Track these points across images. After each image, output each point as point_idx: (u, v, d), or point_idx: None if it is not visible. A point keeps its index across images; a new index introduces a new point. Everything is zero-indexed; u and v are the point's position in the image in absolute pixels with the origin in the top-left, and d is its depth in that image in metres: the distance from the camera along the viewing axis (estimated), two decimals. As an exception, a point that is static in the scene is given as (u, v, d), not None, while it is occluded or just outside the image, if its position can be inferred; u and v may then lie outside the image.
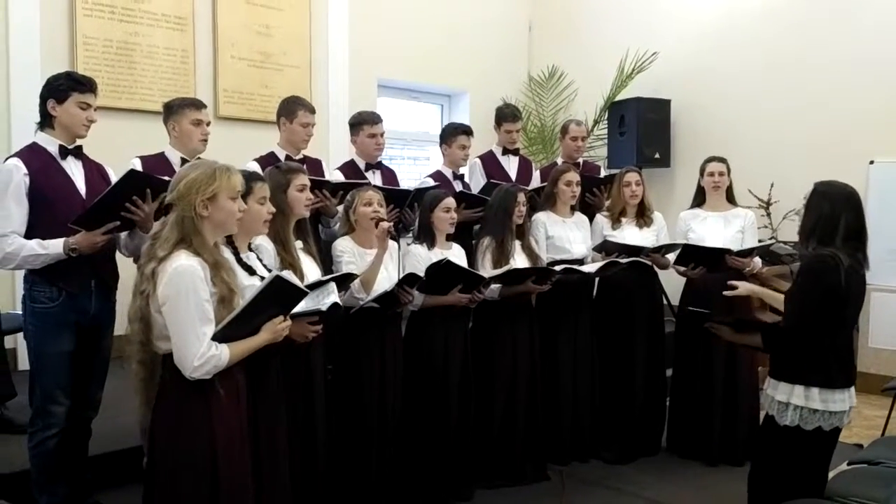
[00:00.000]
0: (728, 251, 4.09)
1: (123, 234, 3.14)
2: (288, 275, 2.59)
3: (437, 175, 4.62)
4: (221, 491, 2.26)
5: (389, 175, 4.47)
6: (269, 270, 2.71)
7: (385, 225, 3.28)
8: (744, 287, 3.11)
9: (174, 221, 2.29)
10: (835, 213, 2.62)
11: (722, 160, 4.38)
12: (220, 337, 2.24)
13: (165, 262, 2.23)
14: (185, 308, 2.19)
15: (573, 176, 4.29)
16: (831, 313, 2.59)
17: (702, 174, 4.41)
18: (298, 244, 3.12)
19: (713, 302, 3.94)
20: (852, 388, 2.67)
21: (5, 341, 4.10)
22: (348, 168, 4.32)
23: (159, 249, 2.26)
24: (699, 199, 4.46)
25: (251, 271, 2.62)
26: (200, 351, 2.19)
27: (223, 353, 2.24)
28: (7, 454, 3.48)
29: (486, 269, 3.81)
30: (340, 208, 3.63)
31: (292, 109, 4.05)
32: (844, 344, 2.69)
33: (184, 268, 2.20)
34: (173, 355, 2.22)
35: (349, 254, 3.34)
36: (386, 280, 3.41)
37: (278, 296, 2.39)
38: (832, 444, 2.67)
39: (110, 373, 3.30)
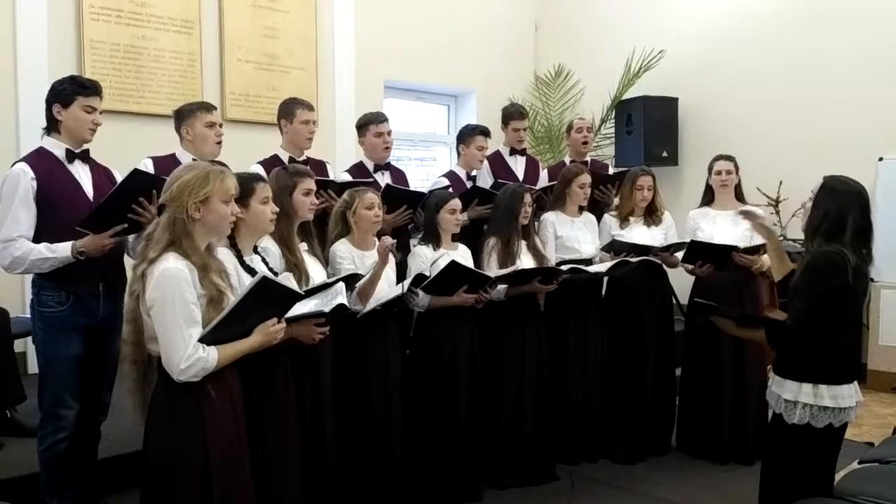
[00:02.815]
0: (735, 248, 4.08)
1: (131, 237, 3.13)
2: (284, 277, 2.58)
3: (451, 175, 4.62)
4: (215, 493, 2.26)
5: (399, 175, 4.46)
6: (275, 273, 2.70)
7: (388, 242, 3.24)
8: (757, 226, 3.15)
9: (165, 223, 2.30)
10: (842, 211, 2.59)
11: (730, 158, 4.36)
12: (208, 339, 2.23)
13: (154, 264, 2.24)
14: (172, 310, 2.19)
15: (587, 178, 4.28)
16: (837, 311, 2.57)
17: (710, 173, 4.40)
18: (303, 246, 3.13)
19: (722, 300, 3.95)
20: (856, 383, 2.66)
21: (15, 345, 4.11)
22: (357, 170, 4.32)
23: (150, 251, 2.27)
24: (708, 198, 4.44)
25: (254, 274, 2.61)
26: (187, 353, 2.19)
27: (210, 356, 2.23)
28: (17, 457, 3.50)
29: (492, 270, 3.80)
30: None
31: (290, 110, 4.06)
32: (848, 340, 2.66)
33: (170, 271, 2.21)
34: (161, 358, 2.23)
35: (348, 260, 3.32)
36: (384, 281, 3.39)
37: (269, 298, 2.36)
38: (840, 440, 2.66)
39: (118, 376, 3.31)
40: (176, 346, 2.19)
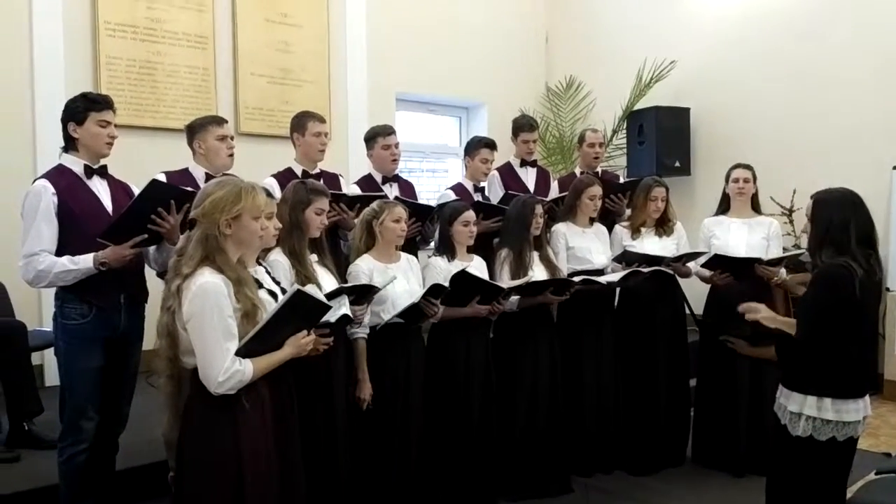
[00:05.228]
0: (758, 260, 4.07)
1: (152, 248, 3.18)
2: (312, 289, 2.60)
3: (458, 188, 4.64)
4: (248, 501, 2.28)
5: (407, 188, 4.49)
6: (279, 285, 2.73)
7: (366, 394, 3.29)
8: (760, 311, 2.93)
9: (198, 239, 2.33)
10: (844, 219, 2.59)
11: (747, 167, 4.37)
12: (243, 352, 2.28)
13: (190, 279, 2.27)
14: (210, 325, 2.22)
15: (597, 190, 4.29)
16: (845, 324, 2.55)
17: (727, 181, 4.40)
18: (313, 258, 3.15)
19: (736, 311, 3.95)
20: (867, 398, 2.62)
21: (32, 358, 4.15)
22: (365, 182, 4.34)
23: (184, 266, 2.30)
24: (724, 206, 4.44)
25: (258, 285, 2.63)
26: (224, 366, 2.22)
27: (247, 368, 2.27)
28: (35, 470, 3.53)
29: (504, 281, 3.81)
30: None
31: (302, 123, 4.09)
32: (859, 353, 2.62)
33: (208, 285, 2.24)
34: (198, 371, 2.26)
35: (368, 277, 3.30)
36: (407, 293, 3.42)
37: (300, 310, 2.41)
38: (849, 454, 2.62)
39: (136, 388, 3.34)
40: (214, 359, 2.22)
